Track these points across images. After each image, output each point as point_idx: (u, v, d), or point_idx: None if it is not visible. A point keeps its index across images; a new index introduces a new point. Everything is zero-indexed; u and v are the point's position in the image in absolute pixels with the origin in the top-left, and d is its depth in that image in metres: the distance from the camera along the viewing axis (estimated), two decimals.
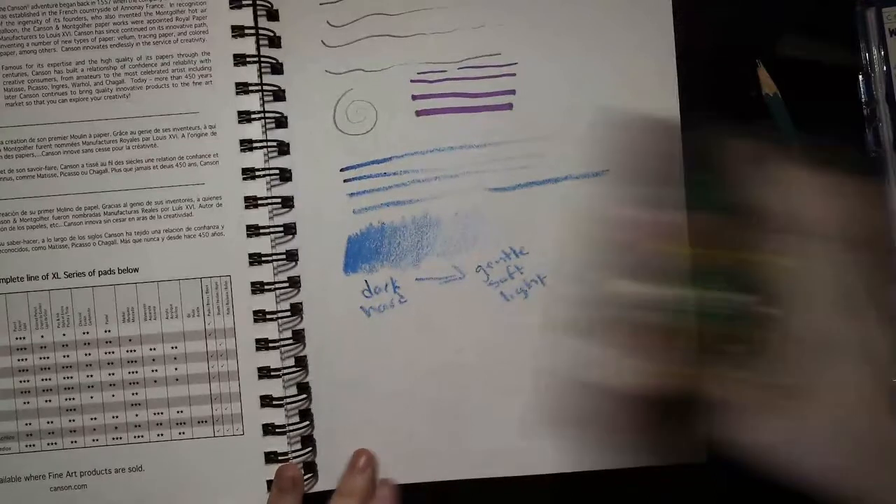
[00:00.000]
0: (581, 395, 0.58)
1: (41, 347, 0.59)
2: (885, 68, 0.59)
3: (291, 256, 0.60)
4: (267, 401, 0.59)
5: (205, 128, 0.60)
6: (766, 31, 0.61)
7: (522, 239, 0.60)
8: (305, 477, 0.59)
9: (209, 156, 0.60)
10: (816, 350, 0.43)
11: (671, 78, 0.60)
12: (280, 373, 0.59)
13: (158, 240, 0.60)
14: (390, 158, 0.61)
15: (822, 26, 0.61)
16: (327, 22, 0.61)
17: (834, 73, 0.61)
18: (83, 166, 0.59)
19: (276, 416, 0.59)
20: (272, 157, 0.60)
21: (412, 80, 0.61)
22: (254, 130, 0.60)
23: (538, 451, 0.60)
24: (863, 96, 0.60)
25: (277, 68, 0.61)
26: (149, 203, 0.60)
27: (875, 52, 0.60)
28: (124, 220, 0.59)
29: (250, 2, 0.60)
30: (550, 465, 0.60)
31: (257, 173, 0.60)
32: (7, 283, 0.59)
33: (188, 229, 0.60)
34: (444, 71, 0.61)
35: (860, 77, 0.60)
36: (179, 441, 0.59)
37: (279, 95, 0.60)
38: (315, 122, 0.61)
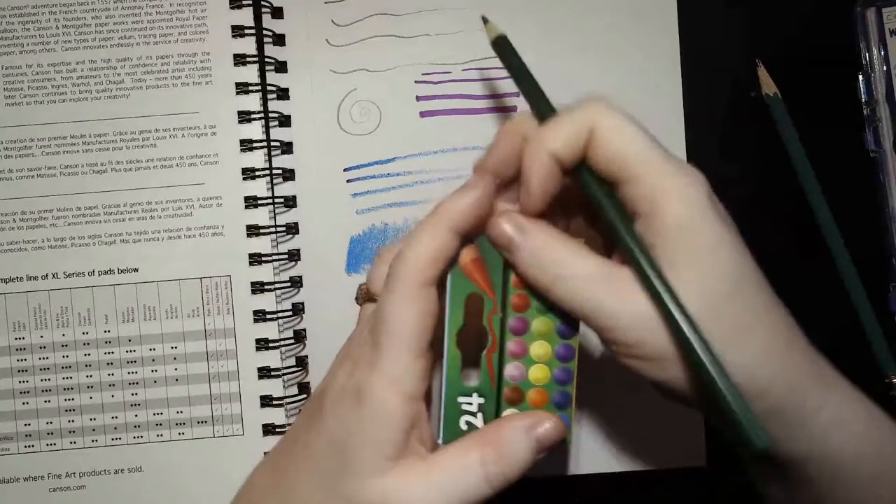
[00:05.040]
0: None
1: (41, 348, 0.59)
2: (885, 68, 0.60)
3: (293, 256, 0.60)
4: (267, 401, 0.59)
5: (205, 128, 0.60)
6: (766, 31, 0.61)
7: None
8: None
9: (209, 156, 0.60)
10: None
11: (675, 79, 0.61)
12: (280, 373, 0.59)
13: (158, 240, 0.60)
14: (394, 159, 0.61)
15: (822, 26, 0.61)
16: (332, 21, 0.61)
17: (834, 73, 0.61)
18: (83, 166, 0.59)
19: (276, 417, 0.59)
20: (275, 157, 0.60)
21: (417, 81, 0.61)
22: (254, 130, 0.60)
23: None
24: (863, 96, 0.60)
25: (281, 67, 0.60)
26: (149, 203, 0.59)
27: (875, 52, 0.60)
28: (124, 220, 0.59)
29: (250, 2, 0.60)
30: (550, 467, 0.60)
31: (257, 173, 0.60)
32: (7, 283, 0.59)
33: (188, 229, 0.60)
34: (449, 72, 0.61)
35: (860, 77, 0.60)
36: (179, 441, 0.59)
37: (283, 94, 0.60)
38: (319, 121, 0.61)
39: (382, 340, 0.41)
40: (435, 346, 0.43)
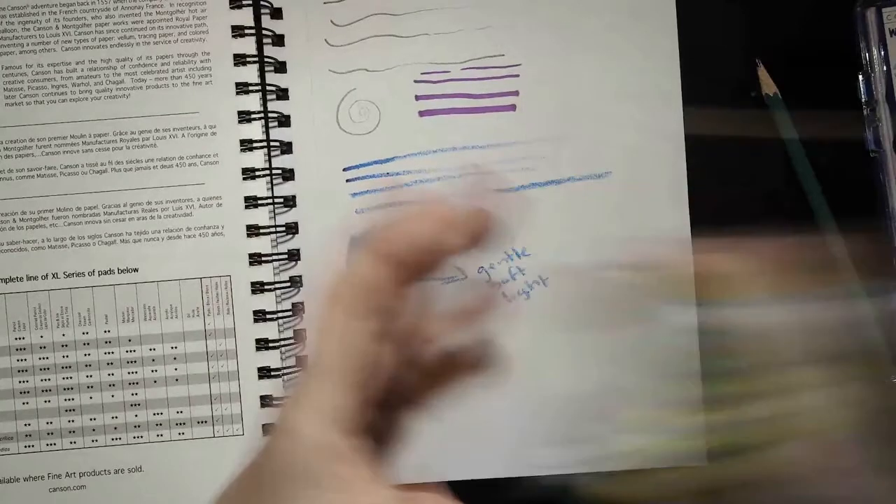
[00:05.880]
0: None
1: (41, 348, 0.59)
2: (885, 68, 0.60)
3: (293, 256, 0.60)
4: (267, 401, 0.59)
5: (205, 128, 0.60)
6: (766, 31, 0.61)
7: (525, 240, 0.60)
8: None
9: (209, 156, 0.60)
10: None
11: (675, 80, 0.61)
12: (280, 373, 0.59)
13: (158, 240, 0.60)
14: (393, 159, 0.61)
15: (822, 26, 0.61)
16: (331, 21, 0.61)
17: (834, 73, 0.61)
18: (83, 166, 0.59)
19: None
20: (275, 157, 0.60)
21: (416, 81, 0.61)
22: (254, 130, 0.60)
23: (538, 453, 0.60)
24: (863, 96, 0.60)
25: (281, 67, 0.60)
26: (149, 203, 0.60)
27: (875, 52, 0.60)
28: (124, 220, 0.59)
29: (250, 2, 0.60)
30: (550, 466, 0.60)
31: (257, 173, 0.60)
32: (7, 283, 0.59)
33: (188, 229, 0.60)
34: (448, 72, 0.61)
35: (860, 77, 0.60)
36: (179, 441, 0.59)
37: (283, 95, 0.60)
38: (318, 121, 0.61)
39: (312, 372, 0.38)
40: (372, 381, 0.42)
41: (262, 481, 0.39)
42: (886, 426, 0.46)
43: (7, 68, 0.59)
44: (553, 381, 0.60)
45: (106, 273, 0.59)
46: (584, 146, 0.60)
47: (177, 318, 0.59)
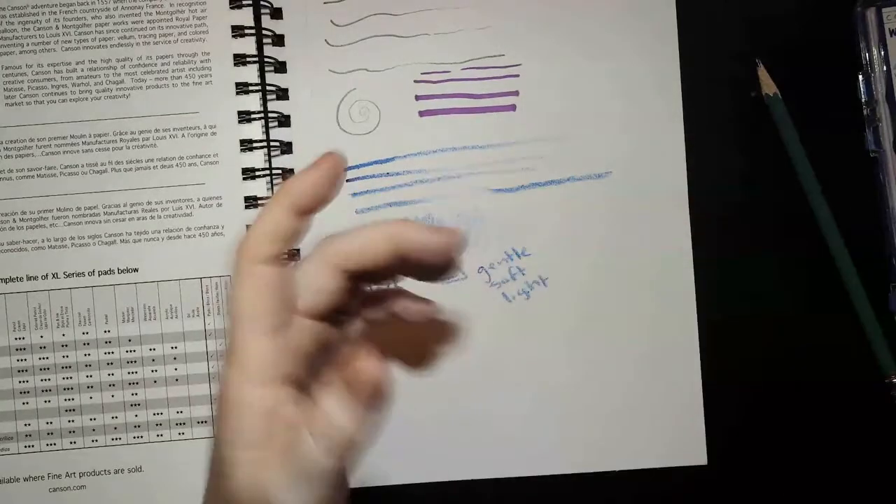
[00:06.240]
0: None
1: (41, 348, 0.59)
2: (885, 68, 0.60)
3: (293, 256, 0.60)
4: None
5: (205, 128, 0.60)
6: (766, 31, 0.61)
7: (525, 240, 0.60)
8: None
9: (209, 156, 0.60)
10: None
11: (675, 79, 0.61)
12: None
13: (158, 240, 0.60)
14: (393, 159, 0.60)
15: (822, 26, 0.61)
16: (331, 21, 0.61)
17: (834, 73, 0.61)
18: (83, 166, 0.59)
19: None
20: (275, 157, 0.60)
21: (416, 81, 0.61)
22: (254, 130, 0.60)
23: (539, 453, 0.60)
24: (863, 96, 0.60)
25: (281, 67, 0.60)
26: (149, 203, 0.60)
27: (875, 52, 0.60)
28: (124, 220, 0.59)
29: (251, 2, 0.60)
30: (552, 466, 0.60)
31: (257, 173, 0.60)
32: (7, 283, 0.59)
33: (188, 229, 0.60)
34: (448, 72, 0.61)
35: (860, 77, 0.60)
36: (179, 441, 0.59)
37: (282, 95, 0.60)
38: (318, 121, 0.61)
39: (229, 326, 0.39)
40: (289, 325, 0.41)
41: (216, 456, 0.40)
42: None
43: (7, 68, 0.60)
44: (553, 381, 0.60)
45: (106, 273, 0.59)
46: (584, 146, 0.60)
47: (177, 318, 0.59)
